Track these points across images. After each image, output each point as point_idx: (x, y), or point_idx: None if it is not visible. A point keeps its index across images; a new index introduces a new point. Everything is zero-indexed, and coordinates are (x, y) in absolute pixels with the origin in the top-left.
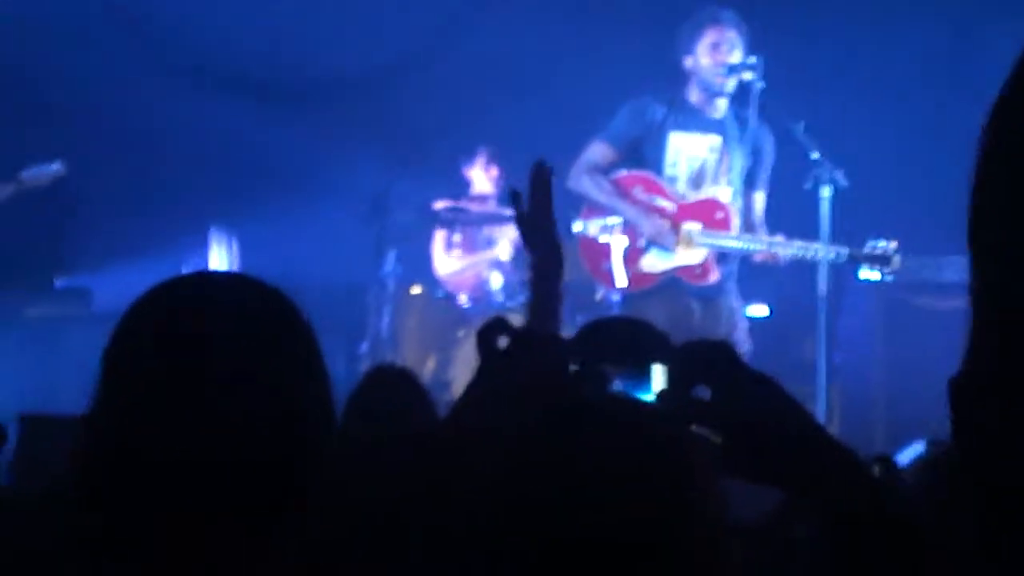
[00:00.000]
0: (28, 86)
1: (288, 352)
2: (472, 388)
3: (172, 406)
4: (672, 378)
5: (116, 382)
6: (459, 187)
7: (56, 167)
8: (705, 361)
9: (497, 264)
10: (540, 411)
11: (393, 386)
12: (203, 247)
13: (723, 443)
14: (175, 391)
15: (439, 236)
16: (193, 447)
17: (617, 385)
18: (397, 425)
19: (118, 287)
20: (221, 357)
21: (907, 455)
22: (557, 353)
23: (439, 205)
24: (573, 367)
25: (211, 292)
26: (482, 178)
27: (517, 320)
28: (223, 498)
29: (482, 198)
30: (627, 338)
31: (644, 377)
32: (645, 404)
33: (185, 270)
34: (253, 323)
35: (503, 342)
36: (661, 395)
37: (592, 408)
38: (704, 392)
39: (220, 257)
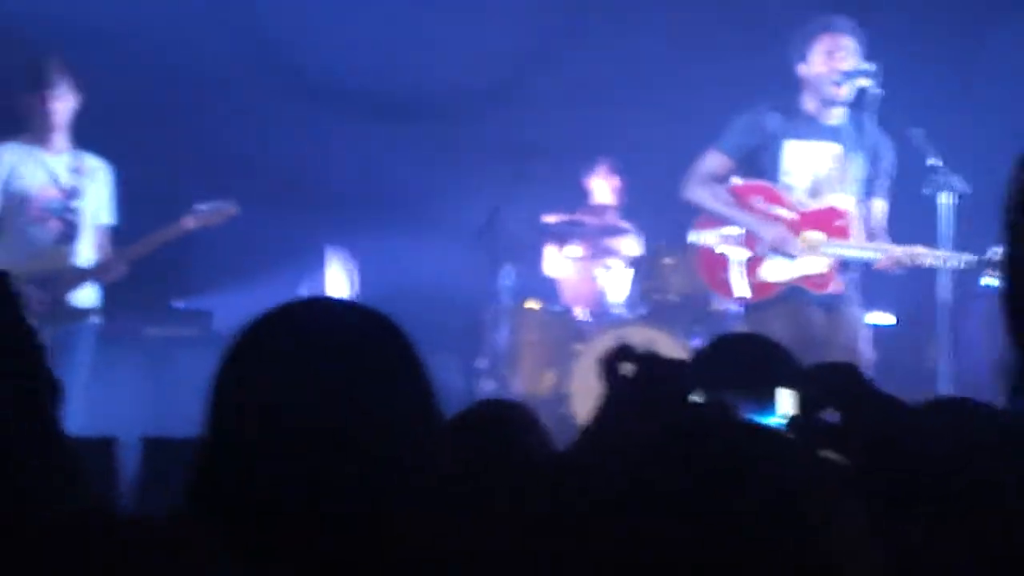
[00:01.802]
0: (147, 110)
1: (398, 384)
2: (597, 415)
3: (279, 435)
4: (800, 402)
5: (225, 409)
6: (573, 200)
7: (229, 205)
8: (833, 384)
9: (615, 276)
10: (666, 440)
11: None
12: (320, 267)
13: (854, 467)
14: (282, 420)
15: (550, 250)
16: (301, 476)
17: (742, 411)
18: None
19: (237, 308)
20: (328, 387)
21: None
22: (681, 380)
23: (550, 219)
24: (698, 393)
25: (320, 321)
26: (603, 188)
27: (636, 332)
28: (332, 524)
29: (602, 208)
30: (751, 360)
31: (769, 402)
32: (773, 431)
33: (303, 290)
34: (361, 353)
35: (627, 368)
36: (790, 420)
37: (719, 436)
38: (832, 416)
39: (337, 276)
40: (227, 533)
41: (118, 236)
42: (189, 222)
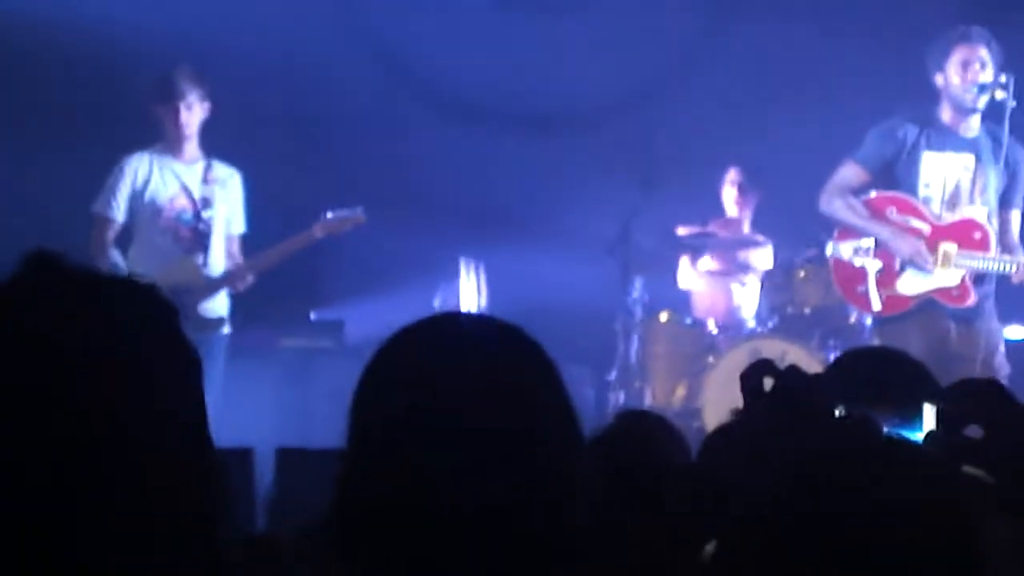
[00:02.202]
0: (285, 123)
1: (537, 401)
2: (738, 430)
3: (419, 456)
4: (942, 418)
5: (365, 429)
6: (706, 212)
7: (358, 213)
8: (976, 400)
9: (748, 288)
10: (812, 455)
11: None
12: (453, 278)
13: (997, 483)
14: (422, 441)
15: (684, 262)
16: (443, 498)
17: (884, 424)
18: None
19: (370, 319)
20: (467, 406)
21: None
22: (823, 396)
23: (682, 231)
24: (839, 408)
25: (460, 335)
26: (736, 199)
27: (769, 345)
28: (477, 542)
29: (736, 220)
30: (889, 375)
31: (911, 417)
32: (917, 447)
33: (437, 302)
34: (500, 368)
35: (768, 383)
36: (931, 436)
37: (864, 453)
38: (975, 432)
39: (470, 287)
40: (369, 548)
41: (250, 244)
42: (318, 231)
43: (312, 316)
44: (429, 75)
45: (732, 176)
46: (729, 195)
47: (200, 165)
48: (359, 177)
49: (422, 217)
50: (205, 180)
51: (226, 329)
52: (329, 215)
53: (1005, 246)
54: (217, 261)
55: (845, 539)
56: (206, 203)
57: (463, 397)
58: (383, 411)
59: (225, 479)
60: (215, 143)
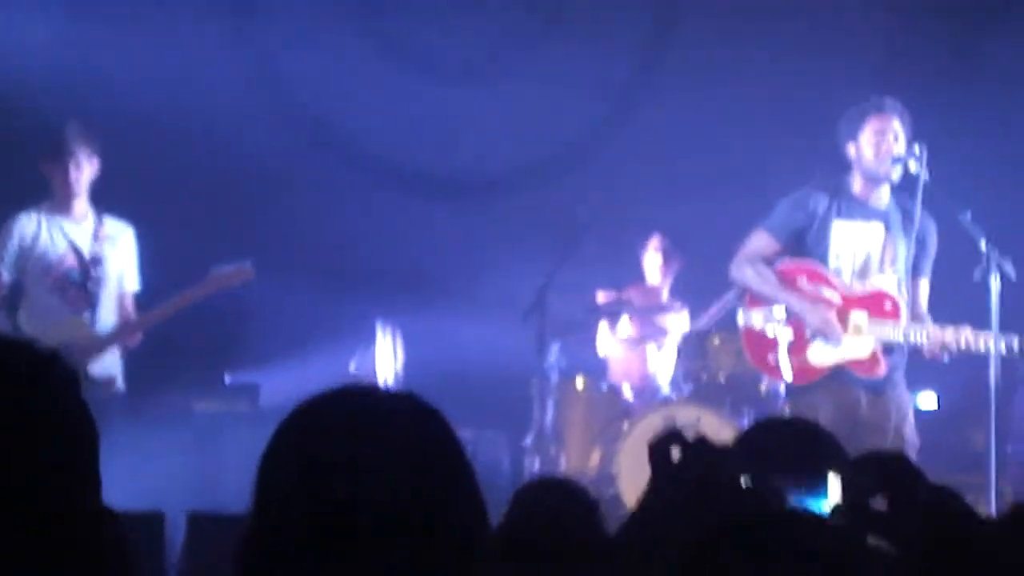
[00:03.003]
0: (203, 184)
1: (442, 483)
2: (645, 500)
3: (315, 533)
4: (848, 489)
5: (268, 493)
6: (623, 277)
7: (245, 268)
8: (881, 472)
9: (663, 355)
10: (715, 526)
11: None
12: (370, 342)
13: (900, 555)
14: (322, 520)
15: (602, 327)
16: (341, 565)
17: (790, 496)
18: (561, 539)
19: (286, 383)
20: (370, 486)
21: None
22: (730, 465)
23: (601, 297)
24: (746, 479)
25: (363, 415)
26: (653, 266)
27: (683, 412)
28: None
29: (653, 288)
30: (797, 445)
31: (818, 487)
32: (821, 519)
33: (353, 366)
34: (405, 452)
35: (676, 453)
36: (837, 507)
37: (768, 524)
38: (880, 504)
39: (386, 352)
40: None
41: (155, 303)
42: (206, 286)
43: (227, 379)
44: (349, 140)
45: (656, 243)
46: (653, 261)
47: (90, 222)
48: (274, 239)
49: (340, 281)
50: (95, 237)
51: (117, 387)
52: (218, 269)
53: (915, 316)
54: (107, 319)
55: None
56: (96, 261)
57: (360, 475)
58: (282, 485)
59: (127, 544)
60: (118, 200)
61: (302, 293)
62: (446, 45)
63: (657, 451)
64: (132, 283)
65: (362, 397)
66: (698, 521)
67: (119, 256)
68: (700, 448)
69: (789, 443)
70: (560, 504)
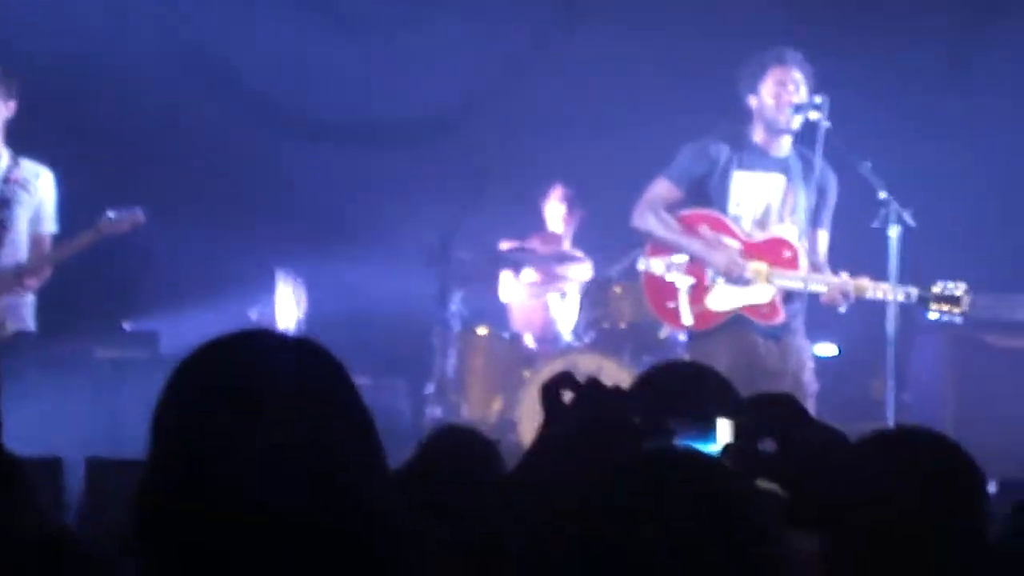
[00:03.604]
0: (104, 129)
1: (338, 427)
2: (536, 442)
3: (213, 473)
4: (738, 432)
5: (162, 443)
6: (527, 226)
7: (136, 214)
8: (771, 415)
9: (567, 303)
10: (603, 466)
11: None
12: (270, 290)
13: (790, 496)
14: (216, 458)
15: (506, 276)
16: (236, 515)
17: (681, 438)
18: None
19: (185, 330)
20: (262, 429)
21: None
22: (621, 407)
23: (505, 246)
24: (636, 420)
25: (258, 358)
26: (557, 215)
27: (584, 360)
28: (266, 559)
29: (555, 236)
30: (690, 388)
31: (708, 430)
32: (710, 458)
33: (252, 314)
34: (300, 395)
35: (568, 395)
36: (727, 449)
37: (657, 463)
38: (770, 445)
39: (287, 300)
40: (164, 561)
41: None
42: (98, 230)
43: (126, 327)
44: (252, 86)
45: (559, 192)
46: (555, 211)
47: (3, 163)
48: (177, 186)
49: (241, 228)
50: (6, 179)
51: (28, 330)
52: (110, 214)
53: (814, 265)
54: (9, 261)
55: (639, 552)
56: (5, 203)
57: (257, 415)
58: (179, 426)
59: (28, 486)
60: (30, 143)
61: (204, 241)
62: None
63: (549, 393)
64: (50, 225)
65: (258, 341)
66: (589, 461)
67: (33, 198)
68: (592, 390)
69: (683, 386)
70: (461, 448)
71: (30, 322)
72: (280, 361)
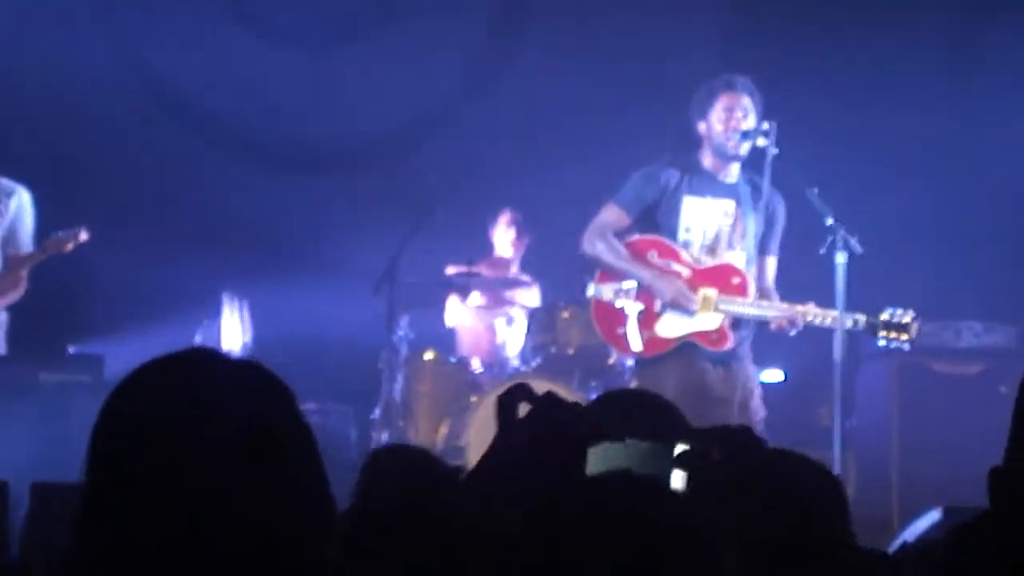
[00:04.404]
0: (52, 150)
1: (280, 450)
2: (489, 452)
3: (147, 500)
4: (691, 460)
5: (96, 467)
6: (476, 251)
7: (80, 234)
8: (726, 444)
9: (514, 328)
10: (557, 483)
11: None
12: (216, 314)
13: (739, 521)
14: (158, 479)
15: (452, 300)
16: (173, 541)
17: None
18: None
19: (131, 354)
20: (200, 453)
21: (924, 522)
22: (577, 422)
23: (451, 270)
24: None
25: (200, 379)
26: (505, 240)
27: (532, 385)
28: None
29: (503, 261)
30: (638, 415)
31: (662, 454)
32: (662, 485)
33: (198, 338)
34: (242, 418)
35: (523, 409)
36: (678, 478)
37: (610, 485)
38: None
39: (232, 323)
40: None
41: None
42: (41, 251)
43: (71, 350)
44: (200, 109)
45: (507, 217)
46: (504, 236)
47: None
48: (123, 209)
49: (187, 252)
50: None
51: None
52: (52, 235)
53: (762, 291)
54: None
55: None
56: None
57: (190, 441)
58: (111, 448)
59: None
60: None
61: (149, 264)
62: (299, 14)
63: (504, 405)
64: (25, 245)
65: (201, 362)
66: (540, 476)
67: (4, 217)
68: (547, 404)
69: (629, 414)
70: (411, 472)
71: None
72: (222, 382)
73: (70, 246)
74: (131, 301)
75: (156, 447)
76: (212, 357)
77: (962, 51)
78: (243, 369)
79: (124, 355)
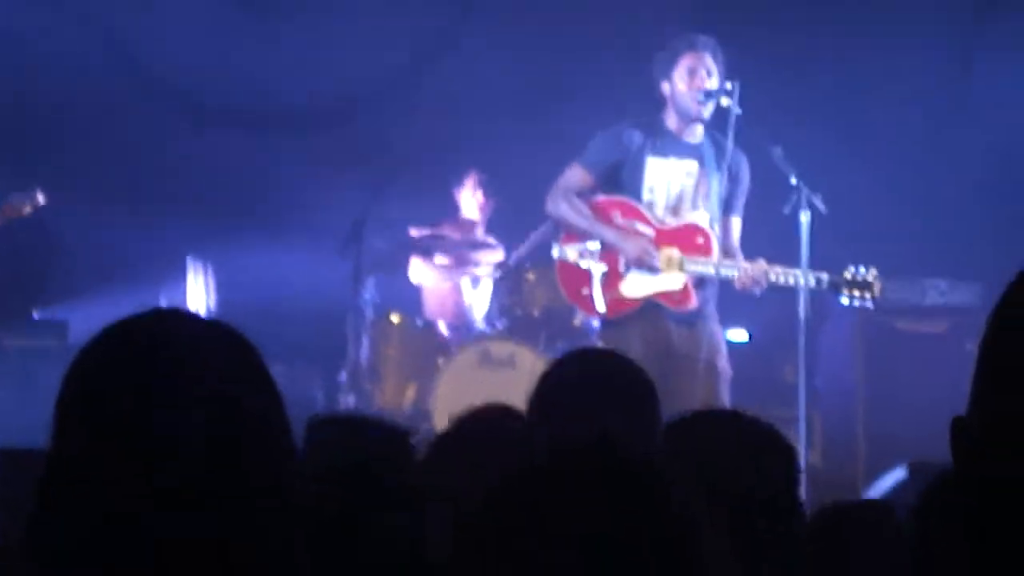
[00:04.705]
0: (7, 112)
1: (244, 403)
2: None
3: (114, 463)
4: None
5: (64, 423)
6: (441, 212)
7: (37, 196)
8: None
9: (480, 290)
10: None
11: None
12: (181, 277)
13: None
14: (116, 447)
15: (415, 263)
16: (138, 509)
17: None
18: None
19: (95, 318)
20: (167, 403)
21: (889, 480)
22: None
23: (414, 232)
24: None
25: (166, 338)
26: (470, 202)
27: (497, 346)
28: (170, 548)
29: (469, 222)
30: (607, 376)
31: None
32: (629, 449)
33: (162, 301)
34: (205, 368)
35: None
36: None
37: (589, 450)
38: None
39: (197, 287)
40: (63, 558)
41: None
42: (4, 211)
43: (35, 315)
44: (162, 71)
45: (473, 179)
46: (470, 198)
47: None
48: (85, 173)
49: (150, 215)
50: None
51: None
52: (10, 197)
53: (727, 251)
54: None
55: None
56: None
57: (160, 401)
58: (76, 411)
59: None
60: None
61: (113, 228)
62: None
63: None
64: None
65: (167, 322)
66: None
67: None
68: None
69: (598, 374)
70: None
71: None
72: (188, 341)
73: (27, 209)
74: (95, 266)
75: (122, 410)
76: (178, 317)
77: (930, 12)
78: (210, 328)
79: (88, 320)
